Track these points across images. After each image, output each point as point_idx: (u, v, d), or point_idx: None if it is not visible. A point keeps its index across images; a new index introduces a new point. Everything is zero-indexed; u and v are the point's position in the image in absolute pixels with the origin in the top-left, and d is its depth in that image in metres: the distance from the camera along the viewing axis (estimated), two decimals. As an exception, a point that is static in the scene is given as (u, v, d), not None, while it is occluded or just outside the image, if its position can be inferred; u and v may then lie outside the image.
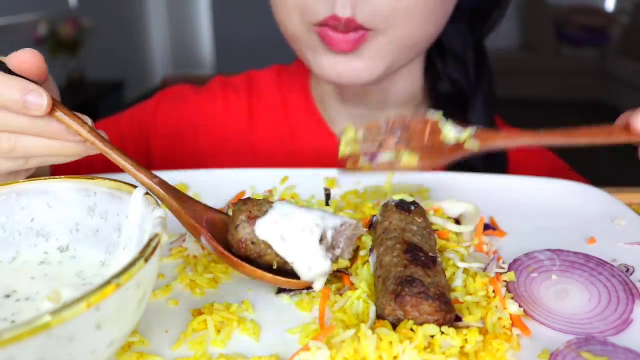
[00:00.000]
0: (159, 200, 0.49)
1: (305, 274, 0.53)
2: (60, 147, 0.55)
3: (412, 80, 1.01)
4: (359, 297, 0.52)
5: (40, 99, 0.52)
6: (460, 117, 1.00)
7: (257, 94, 1.10)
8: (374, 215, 0.65)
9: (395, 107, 1.03)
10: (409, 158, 0.61)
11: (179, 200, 0.55)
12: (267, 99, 1.09)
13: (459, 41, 0.99)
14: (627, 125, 0.59)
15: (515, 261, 0.61)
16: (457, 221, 0.67)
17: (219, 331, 0.50)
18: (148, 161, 1.06)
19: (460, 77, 1.01)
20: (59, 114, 0.53)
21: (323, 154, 1.02)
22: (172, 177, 0.78)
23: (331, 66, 0.85)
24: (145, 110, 1.10)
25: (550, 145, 0.63)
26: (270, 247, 0.53)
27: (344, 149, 0.62)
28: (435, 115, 0.63)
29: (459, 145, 0.62)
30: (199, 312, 0.53)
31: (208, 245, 0.55)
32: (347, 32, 0.80)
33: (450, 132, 0.61)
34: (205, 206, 0.58)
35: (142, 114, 1.09)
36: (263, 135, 1.06)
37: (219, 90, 1.10)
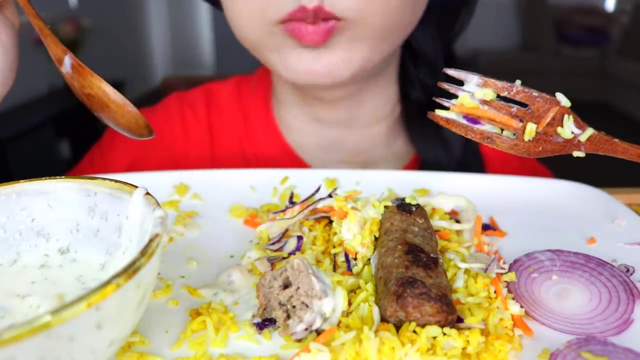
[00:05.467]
0: (158, 200, 0.49)
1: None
2: None
3: (386, 92, 0.98)
4: (364, 300, 0.52)
5: None
6: (432, 126, 0.98)
7: (216, 111, 1.05)
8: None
9: (366, 126, 0.99)
10: (508, 137, 0.54)
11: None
12: (227, 115, 1.04)
13: (429, 44, 0.95)
14: None
15: (515, 261, 0.61)
16: (457, 220, 0.67)
17: (217, 330, 0.50)
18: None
19: (432, 82, 0.96)
20: None
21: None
22: (172, 177, 0.79)
23: (301, 62, 0.79)
24: (101, 148, 1.05)
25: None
26: None
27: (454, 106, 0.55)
28: (565, 102, 0.54)
29: (566, 143, 0.55)
30: (196, 313, 0.53)
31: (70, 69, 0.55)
32: (317, 23, 0.75)
33: (570, 128, 0.54)
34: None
35: (100, 153, 1.04)
36: (224, 153, 1.01)
37: (176, 111, 1.04)
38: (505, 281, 0.56)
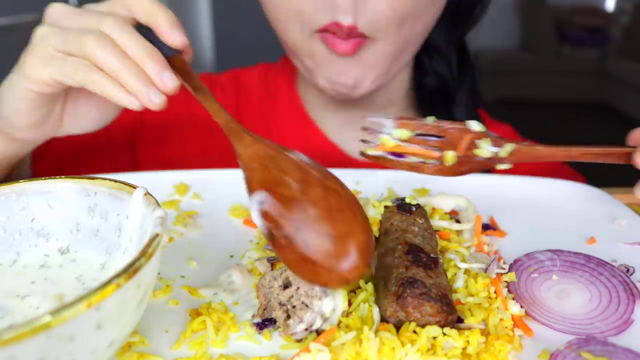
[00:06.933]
0: (158, 200, 0.49)
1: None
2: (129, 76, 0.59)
3: (399, 79, 1.03)
4: (364, 300, 0.51)
5: (170, 82, 0.59)
6: (444, 112, 1.05)
7: (244, 94, 1.08)
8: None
9: (381, 107, 1.04)
10: (433, 163, 0.61)
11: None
12: (254, 98, 1.08)
13: (442, 38, 1.01)
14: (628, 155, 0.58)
15: (515, 261, 0.61)
16: (457, 220, 0.67)
17: (217, 330, 0.50)
18: (134, 161, 1.04)
19: (445, 71, 1.03)
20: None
21: (312, 154, 1.01)
22: (172, 177, 0.79)
23: (333, 68, 0.86)
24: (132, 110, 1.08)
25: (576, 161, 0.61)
26: None
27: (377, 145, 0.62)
28: (477, 128, 0.60)
29: (489, 160, 0.60)
30: (196, 313, 0.53)
31: None
32: (347, 39, 0.82)
33: (486, 149, 0.60)
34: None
35: (130, 112, 1.07)
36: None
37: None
38: (506, 281, 0.56)
